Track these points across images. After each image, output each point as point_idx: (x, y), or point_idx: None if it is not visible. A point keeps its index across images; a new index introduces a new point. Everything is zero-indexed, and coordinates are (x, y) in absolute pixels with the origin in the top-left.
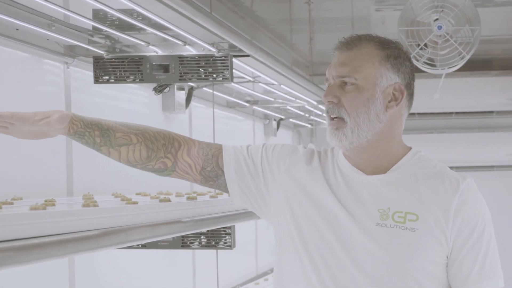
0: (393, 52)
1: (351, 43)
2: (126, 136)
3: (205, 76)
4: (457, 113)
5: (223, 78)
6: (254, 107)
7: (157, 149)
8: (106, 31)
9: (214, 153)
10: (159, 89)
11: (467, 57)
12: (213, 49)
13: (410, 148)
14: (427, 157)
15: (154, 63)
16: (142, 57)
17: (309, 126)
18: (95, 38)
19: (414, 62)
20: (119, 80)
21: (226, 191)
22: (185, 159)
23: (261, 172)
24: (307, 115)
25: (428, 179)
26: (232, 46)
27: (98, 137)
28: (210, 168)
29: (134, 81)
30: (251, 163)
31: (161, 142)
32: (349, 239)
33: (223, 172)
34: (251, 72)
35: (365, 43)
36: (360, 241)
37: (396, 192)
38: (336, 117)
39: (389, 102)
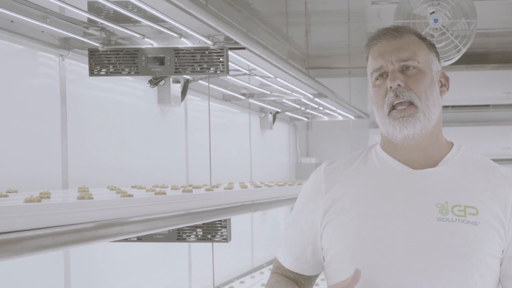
0: (430, 43)
1: (399, 31)
2: None
3: (200, 68)
4: (453, 106)
5: (218, 71)
6: (250, 100)
7: None
8: (101, 23)
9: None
10: (154, 82)
11: (463, 50)
12: (209, 42)
13: (452, 142)
14: (471, 150)
15: (149, 56)
16: (137, 50)
17: (305, 119)
18: (90, 31)
19: None
20: (114, 72)
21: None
22: None
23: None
24: (303, 108)
25: (479, 172)
26: (228, 39)
27: None
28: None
29: (129, 73)
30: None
31: None
32: (411, 238)
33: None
34: (247, 65)
35: (409, 33)
36: (422, 237)
37: (450, 185)
38: (403, 102)
39: (441, 87)
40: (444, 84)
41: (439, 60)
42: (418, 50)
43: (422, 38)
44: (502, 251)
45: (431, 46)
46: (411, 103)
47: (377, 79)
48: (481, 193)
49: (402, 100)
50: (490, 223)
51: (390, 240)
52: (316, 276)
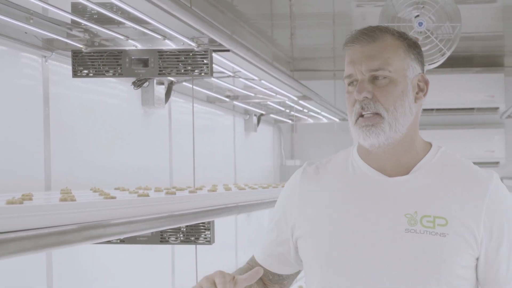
0: (412, 43)
1: (373, 34)
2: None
3: (184, 70)
4: (437, 109)
5: (203, 73)
6: (235, 102)
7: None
8: (85, 24)
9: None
10: (138, 84)
11: (448, 53)
12: (193, 44)
13: (431, 144)
14: (449, 152)
15: (133, 57)
16: (121, 51)
17: (289, 121)
18: (74, 32)
19: None
20: (98, 74)
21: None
22: None
23: (289, 232)
24: (287, 110)
25: (455, 178)
26: (212, 41)
27: None
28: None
29: (113, 75)
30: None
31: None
32: (378, 249)
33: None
34: (231, 67)
35: (386, 34)
36: (389, 249)
37: (421, 194)
38: (370, 113)
39: (417, 93)
40: (422, 88)
41: (421, 61)
42: (392, 57)
43: (402, 38)
44: (477, 259)
45: (412, 46)
46: (377, 113)
47: (349, 85)
48: (453, 202)
49: (368, 112)
50: (460, 234)
51: (357, 252)
52: (290, 276)
